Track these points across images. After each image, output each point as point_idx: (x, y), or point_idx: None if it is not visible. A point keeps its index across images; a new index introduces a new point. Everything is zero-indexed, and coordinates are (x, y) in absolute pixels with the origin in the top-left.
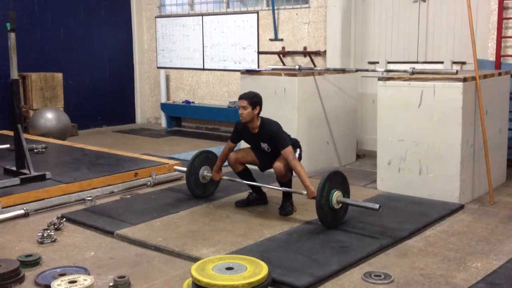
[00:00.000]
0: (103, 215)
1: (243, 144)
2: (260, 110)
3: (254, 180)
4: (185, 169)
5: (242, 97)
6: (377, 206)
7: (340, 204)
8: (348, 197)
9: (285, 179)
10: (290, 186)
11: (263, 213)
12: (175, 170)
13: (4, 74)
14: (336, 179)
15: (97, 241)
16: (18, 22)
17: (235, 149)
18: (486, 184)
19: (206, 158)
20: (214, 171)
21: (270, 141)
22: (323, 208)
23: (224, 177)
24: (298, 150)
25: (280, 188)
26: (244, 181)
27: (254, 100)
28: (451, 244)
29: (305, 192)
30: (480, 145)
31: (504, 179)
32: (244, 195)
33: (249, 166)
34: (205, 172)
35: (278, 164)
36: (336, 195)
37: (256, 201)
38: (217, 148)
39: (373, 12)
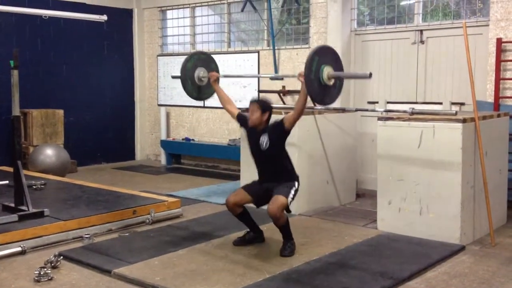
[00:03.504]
0: (101, 253)
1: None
2: (269, 117)
3: (252, 220)
4: None
5: (253, 101)
6: (367, 73)
7: (333, 80)
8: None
9: (281, 222)
10: (288, 228)
11: (262, 253)
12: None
13: (6, 110)
14: (326, 55)
15: (94, 280)
16: (21, 58)
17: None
18: (487, 225)
19: (199, 59)
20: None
21: (270, 130)
22: (314, 84)
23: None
24: (296, 184)
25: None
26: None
27: (264, 105)
28: (453, 286)
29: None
30: (480, 186)
31: (505, 221)
32: (243, 234)
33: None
34: (201, 73)
35: (272, 207)
36: (327, 70)
37: (253, 240)
38: (218, 186)
39: (372, 52)
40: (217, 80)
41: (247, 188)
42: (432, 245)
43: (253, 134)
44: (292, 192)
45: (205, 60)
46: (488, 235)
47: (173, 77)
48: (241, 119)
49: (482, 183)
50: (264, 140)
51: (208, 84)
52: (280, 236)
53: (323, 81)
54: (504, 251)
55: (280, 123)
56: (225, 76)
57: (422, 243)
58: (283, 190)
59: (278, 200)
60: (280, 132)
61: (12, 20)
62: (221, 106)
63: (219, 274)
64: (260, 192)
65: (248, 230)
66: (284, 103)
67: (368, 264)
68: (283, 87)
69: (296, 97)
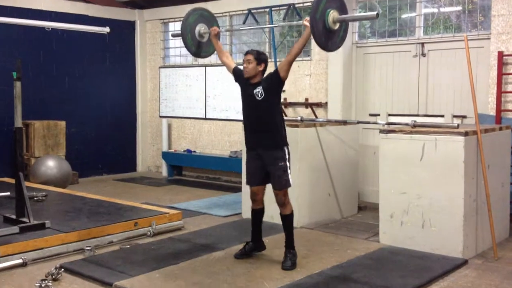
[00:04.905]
0: (102, 265)
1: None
2: (265, 68)
3: (260, 227)
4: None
5: (248, 52)
6: (374, 13)
7: (338, 25)
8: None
9: (287, 209)
10: (291, 225)
11: (264, 265)
12: None
13: (8, 121)
14: (333, 0)
15: None
16: (24, 70)
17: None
18: (489, 239)
19: (201, 15)
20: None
21: (265, 80)
22: (318, 25)
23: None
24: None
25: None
26: (252, 227)
27: (260, 56)
28: None
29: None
30: (482, 200)
31: (508, 234)
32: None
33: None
34: (202, 29)
35: (277, 200)
36: (333, 14)
37: (253, 250)
38: (219, 198)
39: (373, 65)
40: (217, 35)
41: (251, 182)
42: (434, 258)
43: (248, 87)
44: (288, 171)
45: (207, 18)
46: (490, 248)
47: (174, 35)
48: (237, 72)
49: (484, 196)
50: (259, 91)
51: (208, 42)
52: (281, 249)
53: (327, 25)
54: (507, 265)
55: (275, 72)
56: (227, 30)
57: (425, 256)
58: (279, 179)
59: (278, 196)
60: (275, 81)
61: (15, 31)
62: (223, 118)
63: (220, 287)
64: (261, 174)
65: (248, 241)
66: (285, 115)
67: (370, 278)
68: (285, 99)
69: (297, 109)
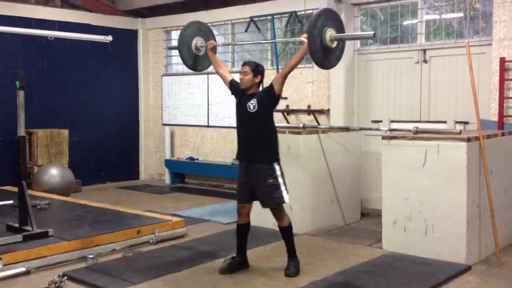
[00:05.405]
0: (105, 273)
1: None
2: (261, 80)
3: (246, 242)
4: None
5: (245, 63)
6: (371, 33)
7: (335, 43)
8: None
9: (285, 221)
10: (291, 235)
11: (267, 272)
12: None
13: (11, 130)
14: (331, 18)
15: None
16: (27, 79)
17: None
18: (493, 244)
19: (199, 29)
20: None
21: (260, 94)
22: (316, 41)
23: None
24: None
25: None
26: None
27: (256, 68)
28: None
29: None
30: (485, 205)
31: (511, 240)
32: (249, 253)
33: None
34: (198, 42)
35: (274, 216)
36: (330, 32)
37: (239, 265)
38: (222, 205)
39: (375, 72)
40: (214, 48)
41: (239, 199)
42: (438, 265)
43: (243, 99)
44: (281, 187)
45: (205, 31)
46: (494, 254)
47: (170, 48)
48: (234, 85)
49: (487, 202)
50: (253, 103)
51: (205, 56)
52: (283, 256)
53: (325, 43)
54: (511, 270)
55: (270, 86)
56: (224, 44)
57: (428, 262)
58: (269, 198)
59: (273, 212)
60: (270, 95)
61: (18, 40)
62: (225, 125)
63: None
64: (249, 192)
65: (234, 255)
66: (288, 122)
67: (374, 284)
68: (287, 106)
69: (300, 116)
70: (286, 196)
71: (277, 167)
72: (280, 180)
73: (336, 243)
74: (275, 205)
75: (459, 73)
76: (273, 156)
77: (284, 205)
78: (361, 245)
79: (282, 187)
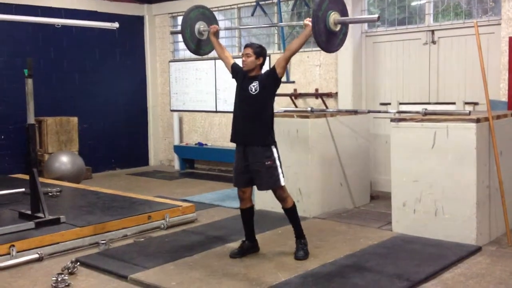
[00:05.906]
0: (117, 259)
1: None
2: (263, 62)
3: (253, 226)
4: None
5: (247, 45)
6: (375, 17)
7: (338, 27)
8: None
9: (288, 203)
10: (296, 215)
11: (277, 256)
12: None
13: (21, 118)
14: (336, 1)
15: (111, 286)
16: (35, 67)
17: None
18: (503, 225)
19: (203, 14)
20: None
21: (262, 76)
22: (320, 24)
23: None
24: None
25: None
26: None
27: (258, 50)
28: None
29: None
30: (495, 186)
31: None
32: (259, 237)
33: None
34: (201, 26)
35: (277, 196)
36: (334, 15)
37: (250, 249)
38: (232, 190)
39: (383, 54)
40: (216, 33)
41: (237, 183)
42: (448, 246)
43: (244, 82)
44: (278, 170)
45: (208, 16)
46: (504, 235)
47: (172, 32)
48: (235, 68)
49: (497, 183)
50: (254, 85)
51: (207, 41)
52: (293, 240)
53: (328, 26)
54: None
55: (272, 68)
56: (226, 29)
57: (438, 244)
58: (267, 179)
59: (276, 193)
60: (272, 77)
61: (26, 29)
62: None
63: (234, 279)
64: (247, 175)
65: (244, 239)
66: (296, 106)
67: (384, 266)
68: (295, 90)
69: (308, 100)
70: (282, 179)
71: (274, 150)
72: (278, 162)
73: (346, 226)
74: (271, 187)
75: (467, 53)
76: (271, 139)
77: (293, 188)
78: (370, 227)
79: (279, 170)
